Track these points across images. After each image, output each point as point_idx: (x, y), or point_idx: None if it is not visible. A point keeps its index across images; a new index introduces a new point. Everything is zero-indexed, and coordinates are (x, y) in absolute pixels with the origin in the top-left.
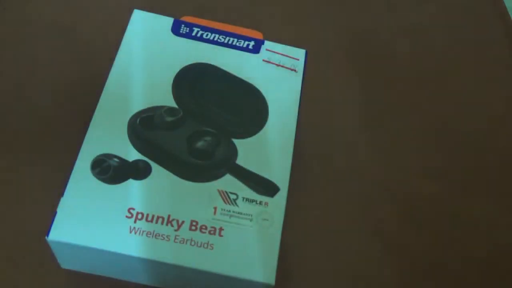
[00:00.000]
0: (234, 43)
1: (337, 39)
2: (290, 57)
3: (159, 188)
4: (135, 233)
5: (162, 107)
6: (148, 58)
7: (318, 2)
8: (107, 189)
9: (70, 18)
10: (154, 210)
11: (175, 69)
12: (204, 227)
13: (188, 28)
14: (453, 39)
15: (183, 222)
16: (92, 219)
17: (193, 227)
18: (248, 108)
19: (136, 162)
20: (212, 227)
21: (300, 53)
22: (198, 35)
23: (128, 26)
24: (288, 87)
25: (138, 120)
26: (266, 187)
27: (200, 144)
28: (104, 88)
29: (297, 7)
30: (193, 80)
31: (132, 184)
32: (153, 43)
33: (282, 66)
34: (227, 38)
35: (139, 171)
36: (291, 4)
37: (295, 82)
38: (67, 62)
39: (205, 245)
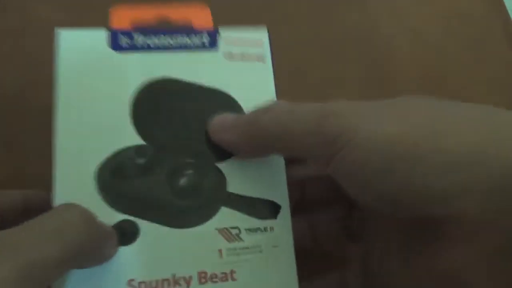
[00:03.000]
0: (186, 43)
1: (337, 38)
2: (251, 43)
3: (154, 247)
4: None
5: (128, 148)
6: (93, 89)
7: (317, 1)
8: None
9: (70, 18)
10: (156, 274)
11: (129, 94)
12: (214, 275)
13: (128, 39)
14: (453, 39)
15: (190, 277)
16: None
17: (203, 280)
18: None
19: (120, 224)
20: (222, 273)
21: (260, 34)
22: (142, 43)
23: (57, 53)
24: (260, 84)
25: (107, 174)
26: (266, 209)
27: (183, 181)
28: (56, 140)
29: (296, 6)
30: (154, 104)
31: (123, 252)
32: (93, 69)
33: (247, 60)
34: (177, 38)
35: (126, 235)
36: (290, 3)
37: (265, 76)
38: None
39: None
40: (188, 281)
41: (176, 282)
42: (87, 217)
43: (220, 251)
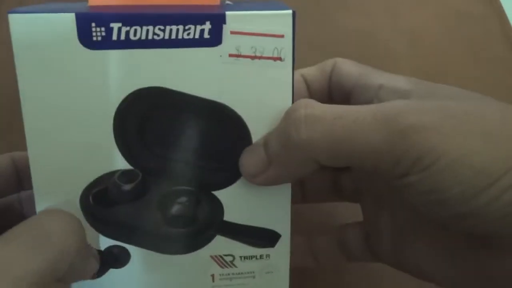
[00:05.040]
0: (179, 36)
1: (337, 41)
2: (268, 35)
3: (146, 270)
4: None
5: (113, 173)
6: (64, 100)
7: (317, 2)
8: (92, 285)
9: None
10: None
11: (109, 108)
12: None
13: (103, 30)
14: (451, 40)
15: None
16: None
17: None
18: (224, 142)
19: (110, 249)
20: None
21: (283, 21)
22: (122, 37)
23: (14, 51)
24: (274, 91)
25: (90, 199)
26: (264, 238)
27: (175, 209)
28: (31, 162)
29: (295, 9)
30: (140, 122)
31: (115, 275)
32: (62, 71)
33: (260, 58)
34: (167, 29)
35: (116, 259)
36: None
37: (282, 81)
38: None
39: None
40: None
41: None
42: (75, 225)
43: (212, 276)
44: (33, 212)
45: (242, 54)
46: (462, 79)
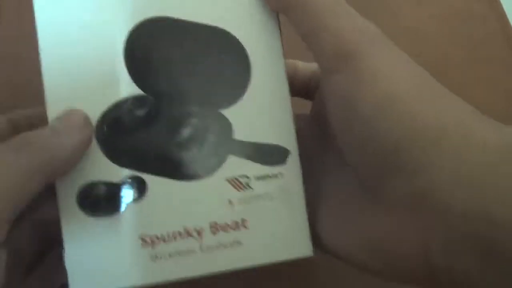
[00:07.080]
0: None
1: None
2: None
3: (163, 201)
4: (159, 258)
5: (126, 100)
6: (78, 33)
7: None
8: (109, 224)
9: None
10: (168, 227)
11: (119, 38)
12: (226, 225)
13: None
14: (452, 40)
15: (202, 228)
16: (108, 262)
17: (215, 230)
18: (225, 63)
19: (126, 181)
20: (234, 222)
21: None
22: None
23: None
24: (259, 10)
25: (106, 129)
26: (275, 155)
27: (186, 131)
28: (47, 99)
29: None
30: (148, 49)
31: (133, 207)
32: (73, 10)
33: None
34: None
35: (134, 190)
36: None
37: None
38: None
39: (235, 244)
40: (200, 232)
41: (189, 233)
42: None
43: (230, 201)
44: None
45: None
46: (462, 79)
